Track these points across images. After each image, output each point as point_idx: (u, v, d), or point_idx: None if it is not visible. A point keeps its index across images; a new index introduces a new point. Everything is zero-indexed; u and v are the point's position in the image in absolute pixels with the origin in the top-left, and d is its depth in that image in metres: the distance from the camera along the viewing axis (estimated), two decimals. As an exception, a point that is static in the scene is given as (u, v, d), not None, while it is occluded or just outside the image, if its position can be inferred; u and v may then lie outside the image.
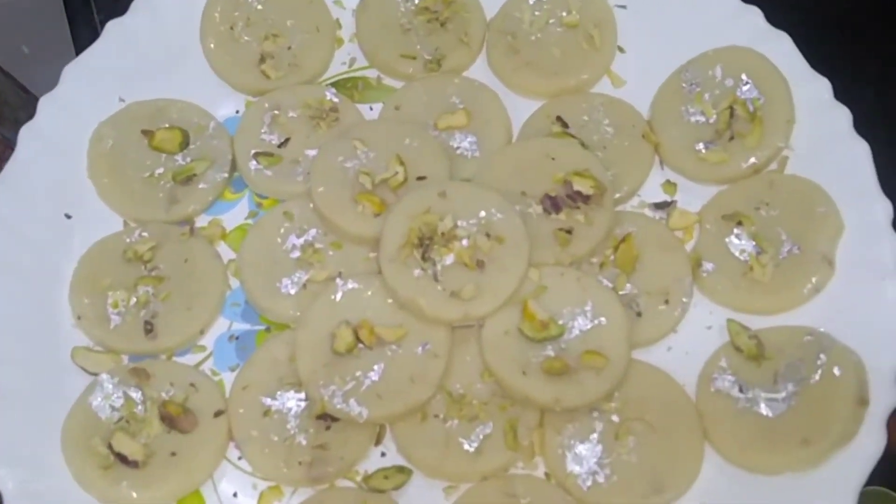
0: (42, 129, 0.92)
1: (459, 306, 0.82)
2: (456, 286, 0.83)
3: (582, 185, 0.88)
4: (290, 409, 0.82)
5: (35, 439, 0.80)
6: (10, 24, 1.13)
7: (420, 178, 0.90)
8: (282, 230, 0.90)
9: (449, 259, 0.83)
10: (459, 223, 0.85)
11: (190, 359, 0.86)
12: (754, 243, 0.87)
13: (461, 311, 0.82)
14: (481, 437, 0.81)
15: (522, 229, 0.85)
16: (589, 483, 0.79)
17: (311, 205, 0.90)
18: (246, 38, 0.99)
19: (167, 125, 0.94)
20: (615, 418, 0.81)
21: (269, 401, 0.83)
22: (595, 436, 0.81)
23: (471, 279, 0.83)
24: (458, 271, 0.83)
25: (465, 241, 0.84)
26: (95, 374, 0.83)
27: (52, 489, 0.78)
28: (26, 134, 0.91)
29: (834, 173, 0.87)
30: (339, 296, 0.84)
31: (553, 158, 0.90)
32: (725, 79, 0.93)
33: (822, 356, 0.79)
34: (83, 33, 0.93)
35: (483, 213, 0.85)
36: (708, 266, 0.87)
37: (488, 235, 0.84)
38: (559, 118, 0.95)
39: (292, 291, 0.87)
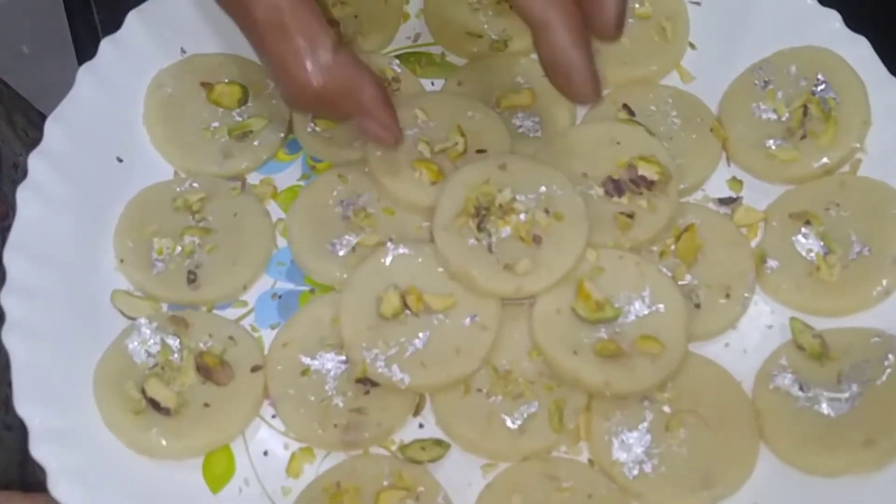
0: (101, 69, 0.90)
1: (513, 280, 0.79)
2: (510, 259, 0.80)
3: (647, 170, 0.85)
4: (329, 371, 0.79)
5: (67, 378, 0.77)
6: (10, 24, 1.14)
7: (480, 151, 0.87)
8: (335, 192, 0.87)
9: (505, 232, 0.80)
10: (518, 197, 0.82)
11: (231, 313, 0.84)
12: (822, 243, 0.84)
13: (514, 284, 0.79)
14: (525, 415, 0.77)
15: (583, 208, 0.82)
16: (635, 472, 0.75)
17: (367, 169, 0.88)
18: None
19: (227, 80, 0.93)
20: (667, 409, 0.78)
21: (308, 360, 0.80)
22: (644, 425, 0.77)
23: (526, 253, 0.80)
24: (513, 245, 0.80)
25: (522, 216, 0.81)
26: (133, 319, 0.81)
27: (80, 430, 0.75)
28: (85, 72, 0.89)
29: (909, 178, 0.84)
30: (388, 259, 0.82)
31: (618, 143, 0.88)
32: (800, 78, 0.91)
33: (889, 357, 0.76)
34: (83, 33, 0.92)
35: (543, 189, 0.83)
36: (772, 263, 0.84)
37: (547, 211, 0.81)
38: (625, 106, 0.92)
39: (341, 253, 0.84)
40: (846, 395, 0.76)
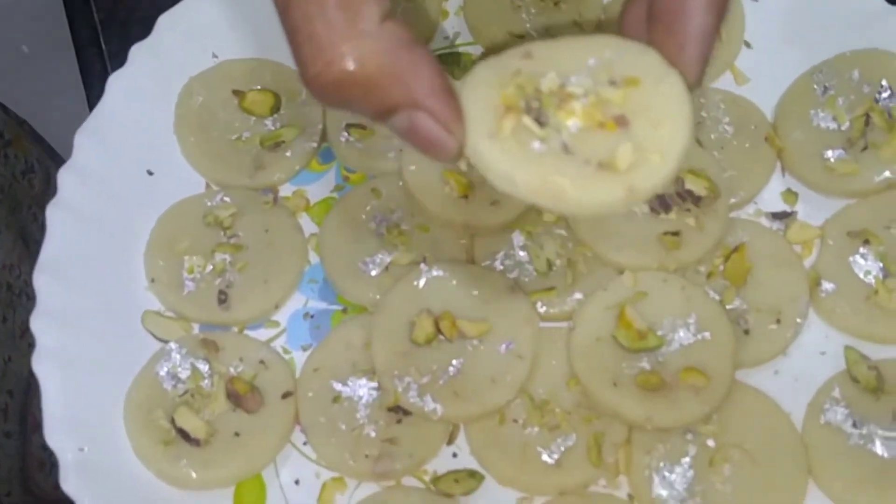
0: (132, 77, 0.88)
1: (619, 181, 0.52)
2: (603, 154, 0.52)
3: (695, 185, 0.81)
4: (361, 398, 0.77)
5: (97, 406, 0.76)
6: (10, 24, 1.11)
7: (519, 164, 0.83)
8: (368, 207, 0.85)
9: (573, 126, 0.53)
10: (567, 81, 0.55)
11: (262, 333, 0.82)
12: (881, 265, 0.79)
13: (622, 186, 0.52)
14: (562, 448, 0.75)
15: (657, 58, 0.55)
16: (676, 511, 0.72)
17: (401, 183, 0.85)
18: (348, 2, 0.94)
19: (259, 87, 0.90)
20: (711, 443, 0.74)
21: (339, 386, 0.78)
22: (687, 460, 0.74)
23: (621, 139, 0.53)
24: (595, 137, 0.53)
25: (584, 100, 0.54)
26: (164, 342, 0.80)
27: (111, 461, 0.74)
28: (115, 81, 0.87)
29: (979, 196, 0.79)
30: (422, 282, 0.79)
31: (665, 155, 0.83)
32: (863, 84, 0.85)
33: (951, 396, 0.71)
34: (83, 33, 0.90)
35: (593, 61, 0.55)
36: (827, 286, 0.80)
37: (614, 83, 0.55)
38: (675, 112, 0.87)
39: (373, 273, 0.82)
40: (903, 434, 0.72)
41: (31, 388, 0.94)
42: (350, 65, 0.48)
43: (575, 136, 0.53)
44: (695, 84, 0.55)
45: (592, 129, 0.53)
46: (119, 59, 0.89)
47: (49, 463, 0.96)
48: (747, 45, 0.92)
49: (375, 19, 0.49)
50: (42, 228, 0.81)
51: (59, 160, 1.07)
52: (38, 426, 0.80)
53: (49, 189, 1.06)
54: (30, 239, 0.99)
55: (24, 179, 1.08)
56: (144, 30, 0.90)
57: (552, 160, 0.52)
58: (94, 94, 1.02)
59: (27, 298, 0.95)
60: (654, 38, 0.55)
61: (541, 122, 0.53)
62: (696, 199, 0.81)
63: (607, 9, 0.94)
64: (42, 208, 0.82)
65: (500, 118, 0.53)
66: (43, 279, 0.79)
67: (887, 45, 0.86)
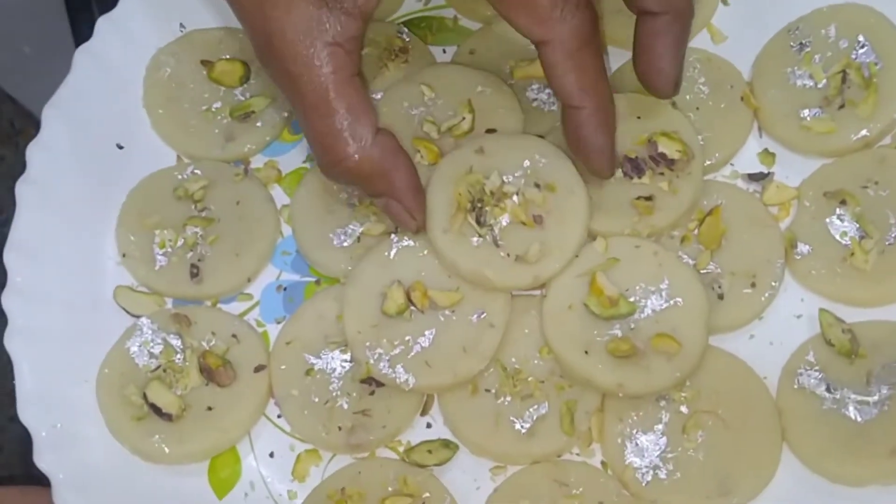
0: (98, 51, 0.87)
1: (528, 270, 0.75)
2: (519, 249, 0.76)
3: (667, 147, 0.80)
4: (333, 370, 0.77)
5: (70, 383, 0.77)
6: (11, 24, 1.10)
7: (489, 131, 0.83)
8: (339, 177, 0.84)
9: (504, 220, 0.76)
10: (505, 178, 0.77)
11: (235, 307, 0.82)
12: (858, 226, 0.78)
13: (530, 275, 0.75)
14: (535, 417, 0.75)
15: (573, 171, 0.77)
16: (649, 478, 0.72)
17: (372, 152, 0.84)
18: (317, -33, 0.92)
19: (228, 56, 0.89)
20: (684, 409, 0.74)
21: (312, 359, 0.78)
22: (660, 427, 0.74)
23: (533, 238, 0.75)
24: (517, 232, 0.76)
25: (515, 198, 0.76)
26: (137, 317, 0.80)
27: (84, 437, 0.75)
28: (81, 56, 0.86)
29: (957, 153, 0.77)
30: (392, 253, 0.79)
31: (639, 117, 0.82)
32: (840, 39, 0.83)
33: (925, 359, 0.71)
34: (84, 33, 0.89)
35: (527, 163, 0.78)
36: (803, 248, 0.79)
37: (538, 186, 0.77)
38: (649, 73, 0.86)
39: (345, 244, 0.81)
40: (875, 398, 0.71)
41: None
42: (352, 164, 0.68)
43: (503, 229, 0.76)
44: (669, 97, 0.74)
45: (516, 225, 0.76)
46: None
47: None
48: (724, 2, 0.90)
49: (371, 130, 0.68)
50: None
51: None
52: None
53: None
54: None
55: None
56: None
57: (484, 253, 0.75)
58: None
59: None
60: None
61: (480, 223, 0.76)
62: (670, 163, 0.80)
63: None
64: None
65: (452, 216, 0.76)
66: (13, 257, 0.79)
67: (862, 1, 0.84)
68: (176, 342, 0.78)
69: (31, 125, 1.11)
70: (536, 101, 0.86)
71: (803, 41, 0.84)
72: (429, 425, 0.77)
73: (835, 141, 0.81)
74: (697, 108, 0.85)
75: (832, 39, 0.83)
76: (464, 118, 0.82)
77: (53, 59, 0.99)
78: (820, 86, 0.83)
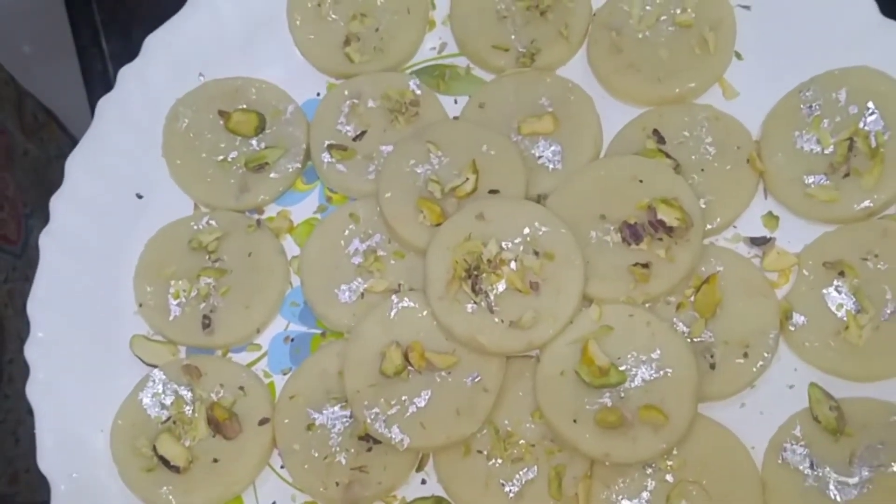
0: (120, 100, 0.91)
1: (521, 336, 0.78)
2: (514, 315, 0.78)
3: (666, 215, 0.80)
4: (333, 426, 0.81)
5: (87, 432, 0.82)
6: (11, 24, 1.12)
7: (492, 192, 0.84)
8: (346, 232, 0.87)
9: (500, 286, 0.79)
10: (504, 245, 0.79)
11: (244, 357, 0.86)
12: (855, 299, 0.78)
13: (523, 341, 0.78)
14: (524, 480, 0.77)
15: (572, 239, 0.80)
16: (631, 546, 0.75)
17: (378, 208, 0.86)
18: (333, 15, 0.94)
19: (244, 106, 0.92)
20: (670, 478, 0.76)
21: (314, 414, 0.81)
22: (645, 495, 0.76)
23: (528, 305, 0.78)
24: (512, 298, 0.78)
25: (513, 265, 0.79)
26: (152, 366, 0.84)
27: (100, 485, 0.80)
28: (104, 105, 0.90)
29: (959, 231, 0.77)
30: (393, 313, 0.81)
31: (641, 181, 0.83)
32: (850, 105, 0.83)
33: (908, 444, 0.72)
34: (84, 33, 0.92)
35: (527, 230, 0.80)
36: (799, 319, 0.79)
37: (536, 253, 0.79)
38: (656, 132, 0.87)
39: (350, 299, 0.84)
40: (855, 479, 0.73)
41: None
42: None
43: (499, 297, 0.78)
44: None
45: (512, 291, 0.78)
46: (120, 60, 0.92)
47: None
48: (738, 56, 0.89)
49: None
50: None
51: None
52: None
53: None
54: None
55: (57, 163, 1.12)
56: (145, 32, 0.91)
57: (479, 319, 0.78)
58: (95, 93, 1.05)
59: None
60: None
61: (475, 290, 0.78)
62: (669, 230, 0.81)
63: (595, 19, 0.92)
64: None
65: (448, 283, 0.79)
66: (36, 308, 0.84)
67: (879, 63, 0.83)
68: (186, 394, 0.82)
69: (52, 119, 1.15)
70: (542, 159, 0.87)
71: (813, 104, 0.84)
72: (423, 481, 0.80)
73: (838, 210, 0.81)
74: (702, 170, 0.85)
75: (842, 104, 0.83)
76: (467, 179, 0.84)
77: (53, 59, 1.01)
78: (827, 151, 0.83)
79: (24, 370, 0.80)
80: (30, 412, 0.96)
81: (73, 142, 1.17)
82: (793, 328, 0.79)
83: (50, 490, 0.79)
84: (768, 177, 0.84)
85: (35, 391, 0.81)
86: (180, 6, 0.93)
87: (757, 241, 0.84)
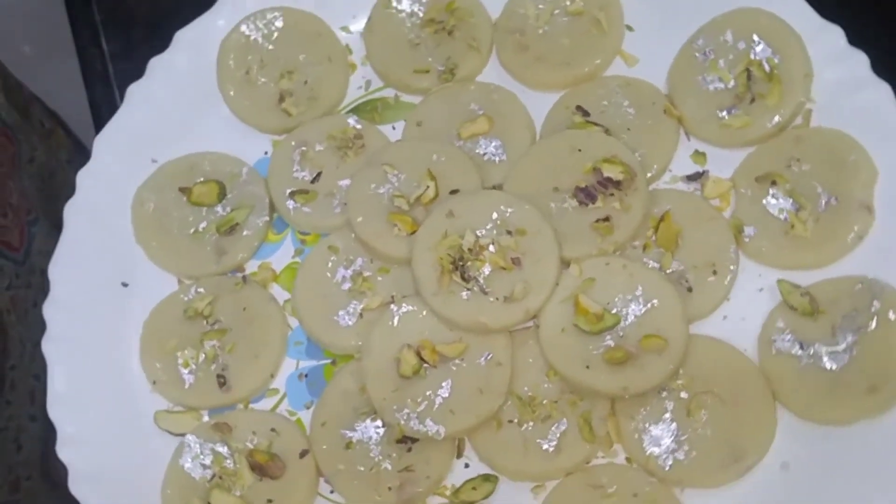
0: (84, 203, 0.95)
1: (518, 308, 0.84)
2: (506, 291, 0.85)
3: (611, 171, 0.89)
4: (370, 438, 0.85)
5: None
6: (11, 24, 1.13)
7: (453, 192, 0.91)
8: (329, 264, 0.92)
9: (486, 269, 0.86)
10: (478, 233, 0.87)
11: (265, 403, 0.89)
12: (791, 200, 0.88)
13: (521, 311, 0.84)
14: (558, 434, 0.83)
15: (536, 212, 0.87)
16: (670, 462, 0.81)
17: (353, 235, 0.92)
18: (263, 79, 1.01)
19: (202, 179, 0.97)
20: (684, 395, 0.83)
21: (349, 433, 0.85)
22: (667, 415, 0.83)
23: (515, 279, 0.85)
24: (500, 277, 0.85)
25: (491, 248, 0.86)
26: (181, 435, 0.87)
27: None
28: (71, 210, 0.94)
29: (859, 119, 0.88)
30: (395, 321, 0.87)
31: (579, 150, 0.92)
32: (737, 42, 0.94)
33: (875, 303, 0.81)
34: (84, 33, 0.94)
35: (495, 215, 0.87)
36: (749, 230, 0.89)
37: (510, 232, 0.87)
38: (579, 107, 0.96)
39: (350, 322, 0.89)
40: (843, 346, 0.81)
41: None
42: None
43: (487, 277, 0.85)
44: None
45: (498, 270, 0.85)
46: (120, 60, 0.94)
47: None
48: (629, 28, 1.00)
49: None
50: None
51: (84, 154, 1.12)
52: None
53: None
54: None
55: (69, 167, 1.13)
56: (145, 32, 0.94)
57: (475, 302, 0.84)
58: (95, 94, 1.08)
59: None
60: None
61: (464, 278, 0.85)
62: (617, 184, 0.89)
63: (497, 27, 1.01)
64: None
65: (439, 279, 0.85)
66: (58, 411, 0.86)
67: (749, 3, 0.94)
68: (222, 449, 0.85)
69: (58, 125, 1.16)
70: (486, 155, 0.95)
71: (706, 50, 0.95)
72: (466, 465, 0.85)
73: (753, 132, 0.92)
74: (628, 129, 0.94)
75: (731, 43, 0.94)
76: (428, 186, 0.91)
77: (53, 59, 1.02)
78: (730, 86, 0.93)
79: (63, 467, 0.81)
80: (33, 419, 0.96)
81: (79, 147, 1.20)
82: (747, 239, 0.89)
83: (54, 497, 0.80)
84: (685, 121, 0.95)
85: (79, 487, 0.83)
86: (180, 6, 0.96)
87: (692, 178, 0.93)
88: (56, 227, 0.92)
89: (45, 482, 0.99)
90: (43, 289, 0.90)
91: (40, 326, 0.87)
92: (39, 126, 1.10)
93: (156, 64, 1.00)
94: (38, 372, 0.95)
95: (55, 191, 1.07)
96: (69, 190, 0.94)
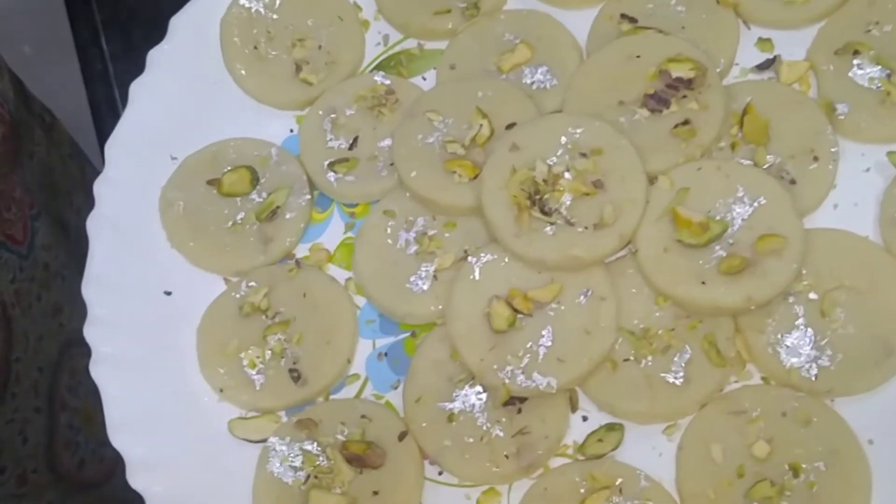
0: (107, 215, 0.86)
1: (611, 233, 0.75)
2: (594, 218, 0.76)
3: (680, 70, 0.81)
4: (473, 406, 0.76)
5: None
6: (12, 24, 1.10)
7: (510, 126, 0.83)
8: (388, 230, 0.83)
9: (567, 199, 0.77)
10: (549, 161, 0.78)
11: (347, 391, 0.80)
12: (880, 67, 0.80)
13: (615, 236, 0.75)
14: (682, 365, 0.74)
15: (608, 127, 0.79)
16: (815, 371, 0.72)
17: (408, 194, 0.83)
18: (273, 52, 0.92)
19: (230, 167, 0.88)
20: (813, 296, 0.74)
21: (448, 405, 0.76)
22: (800, 321, 0.74)
23: (602, 202, 0.76)
24: (584, 203, 0.76)
25: (567, 175, 0.77)
26: (261, 441, 0.77)
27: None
28: (93, 225, 0.85)
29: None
30: (476, 274, 0.78)
31: (638, 56, 0.83)
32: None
33: None
34: (84, 33, 0.89)
35: (564, 139, 0.79)
36: (842, 108, 0.80)
37: (584, 155, 0.78)
38: (624, 15, 0.87)
39: (425, 287, 0.80)
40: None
41: (59, 365, 0.96)
42: None
43: (570, 207, 0.76)
44: None
45: (580, 197, 0.76)
46: (120, 60, 0.90)
47: (74, 442, 0.96)
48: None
49: None
50: (77, 213, 0.84)
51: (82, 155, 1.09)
52: (65, 405, 0.83)
53: (84, 177, 1.07)
54: (66, 224, 1.01)
55: (71, 162, 1.08)
56: (145, 32, 0.89)
57: (563, 236, 0.75)
58: (95, 94, 1.04)
59: (62, 280, 0.98)
60: None
61: (545, 211, 0.76)
62: (688, 83, 0.81)
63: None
64: (77, 195, 0.85)
65: (517, 218, 0.76)
66: (122, 439, 0.76)
67: None
68: (311, 447, 0.75)
69: (57, 120, 1.11)
70: (535, 83, 0.86)
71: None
72: (584, 418, 0.76)
73: (820, 4, 0.84)
74: (683, 27, 0.86)
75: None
76: (481, 125, 0.82)
77: (53, 59, 0.97)
78: (785, -39, 0.85)
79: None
80: (37, 411, 0.90)
81: (75, 145, 1.14)
82: (842, 117, 0.80)
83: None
84: (742, 9, 0.86)
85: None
86: (179, 7, 0.89)
87: (763, 66, 0.85)
88: (57, 221, 0.87)
89: (51, 474, 0.94)
90: (45, 284, 0.85)
91: (44, 321, 0.81)
92: (41, 120, 1.06)
93: (156, 56, 0.92)
94: (41, 365, 0.92)
95: (56, 185, 1.02)
96: (70, 183, 0.86)
